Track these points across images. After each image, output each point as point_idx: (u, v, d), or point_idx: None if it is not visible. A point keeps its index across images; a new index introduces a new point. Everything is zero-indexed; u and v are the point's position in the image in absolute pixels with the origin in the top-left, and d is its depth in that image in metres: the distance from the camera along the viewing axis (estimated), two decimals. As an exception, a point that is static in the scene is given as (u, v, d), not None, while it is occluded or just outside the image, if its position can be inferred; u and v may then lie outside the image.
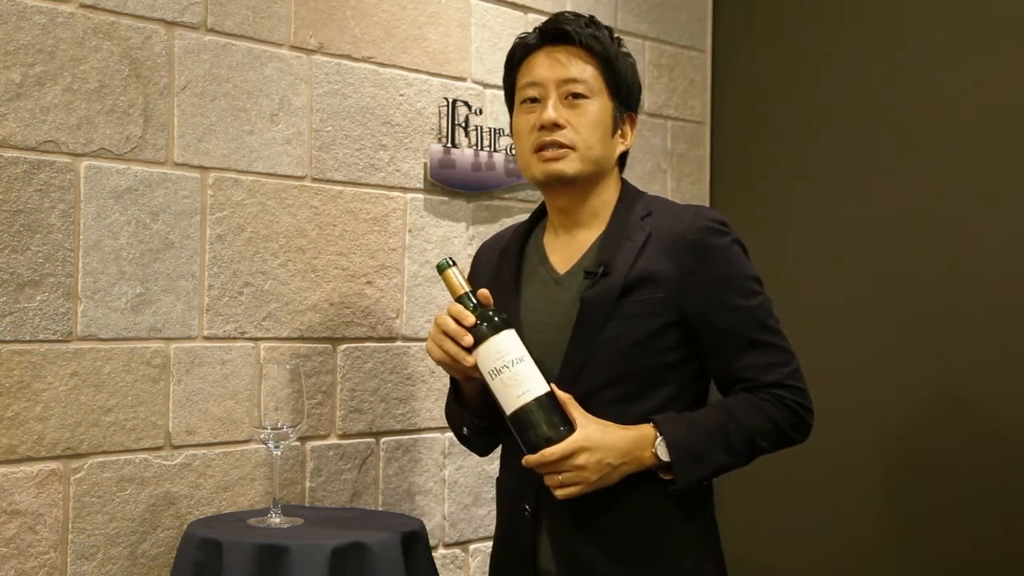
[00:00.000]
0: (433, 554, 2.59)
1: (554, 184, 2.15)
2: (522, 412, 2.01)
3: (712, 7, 3.93)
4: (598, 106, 2.13)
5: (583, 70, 2.13)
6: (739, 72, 3.88)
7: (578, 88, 2.12)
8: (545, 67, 2.14)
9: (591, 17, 2.20)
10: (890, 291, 3.51)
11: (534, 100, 2.15)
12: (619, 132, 2.19)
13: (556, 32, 2.15)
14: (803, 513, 3.65)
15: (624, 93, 2.18)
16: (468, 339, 2.03)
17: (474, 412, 2.21)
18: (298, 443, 2.77)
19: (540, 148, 2.13)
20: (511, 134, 2.25)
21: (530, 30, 2.22)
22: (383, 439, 2.97)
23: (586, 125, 2.12)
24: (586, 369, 2.08)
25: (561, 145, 2.11)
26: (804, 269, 3.65)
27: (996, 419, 3.34)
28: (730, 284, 2.10)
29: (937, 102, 3.46)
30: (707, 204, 3.88)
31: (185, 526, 2.46)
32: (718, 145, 3.92)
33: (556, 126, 2.11)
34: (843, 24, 3.67)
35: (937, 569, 3.42)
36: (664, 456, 2.03)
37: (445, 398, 3.04)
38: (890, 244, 3.52)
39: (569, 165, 2.12)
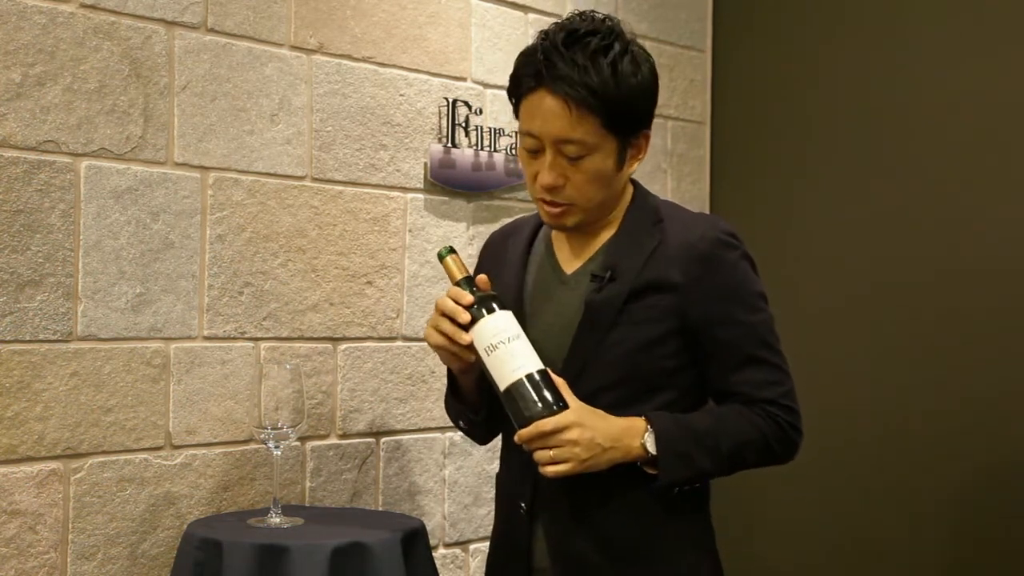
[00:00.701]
0: (433, 554, 2.59)
1: (559, 229, 2.17)
2: (516, 386, 2.00)
3: (712, 7, 3.93)
4: (597, 161, 2.06)
5: (577, 129, 2.03)
6: (739, 72, 3.88)
7: (572, 150, 2.05)
8: (541, 120, 2.05)
9: (595, 47, 2.04)
10: (890, 291, 3.51)
11: (535, 150, 2.09)
12: (629, 156, 2.12)
13: (552, 79, 2.03)
14: (802, 515, 3.65)
15: (633, 126, 2.09)
16: (465, 316, 2.03)
17: (471, 407, 2.21)
18: (298, 443, 2.77)
19: (541, 200, 2.11)
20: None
21: (531, 51, 2.08)
22: (383, 439, 2.97)
23: (585, 182, 2.07)
24: (587, 371, 2.08)
25: (560, 204, 2.09)
26: (804, 269, 3.65)
27: (998, 418, 3.34)
28: (735, 298, 2.09)
29: (937, 102, 3.46)
30: (707, 204, 3.88)
31: (185, 526, 2.46)
32: (718, 145, 3.92)
33: (554, 187, 2.07)
34: (843, 24, 3.67)
35: (940, 571, 3.42)
36: (652, 449, 2.03)
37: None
38: (890, 244, 3.52)
39: (571, 219, 2.11)
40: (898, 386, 3.48)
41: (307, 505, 2.78)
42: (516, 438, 2.02)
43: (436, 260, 3.06)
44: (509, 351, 2.01)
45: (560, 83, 2.02)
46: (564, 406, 2.00)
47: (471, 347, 2.04)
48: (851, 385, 3.53)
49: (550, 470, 2.01)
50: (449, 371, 2.21)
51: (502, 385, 2.02)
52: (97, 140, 2.47)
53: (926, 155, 3.47)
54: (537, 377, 2.01)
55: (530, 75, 2.07)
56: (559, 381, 2.03)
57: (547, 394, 2.00)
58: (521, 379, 2.00)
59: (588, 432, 2.00)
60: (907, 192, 3.49)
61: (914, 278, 3.46)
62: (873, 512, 3.51)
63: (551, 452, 2.00)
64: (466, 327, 2.04)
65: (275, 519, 2.40)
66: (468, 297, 2.05)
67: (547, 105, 2.04)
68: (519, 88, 2.11)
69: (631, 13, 3.63)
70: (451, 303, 2.05)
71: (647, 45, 2.18)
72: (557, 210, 2.10)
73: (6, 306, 2.34)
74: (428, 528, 2.61)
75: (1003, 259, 3.32)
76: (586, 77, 2.02)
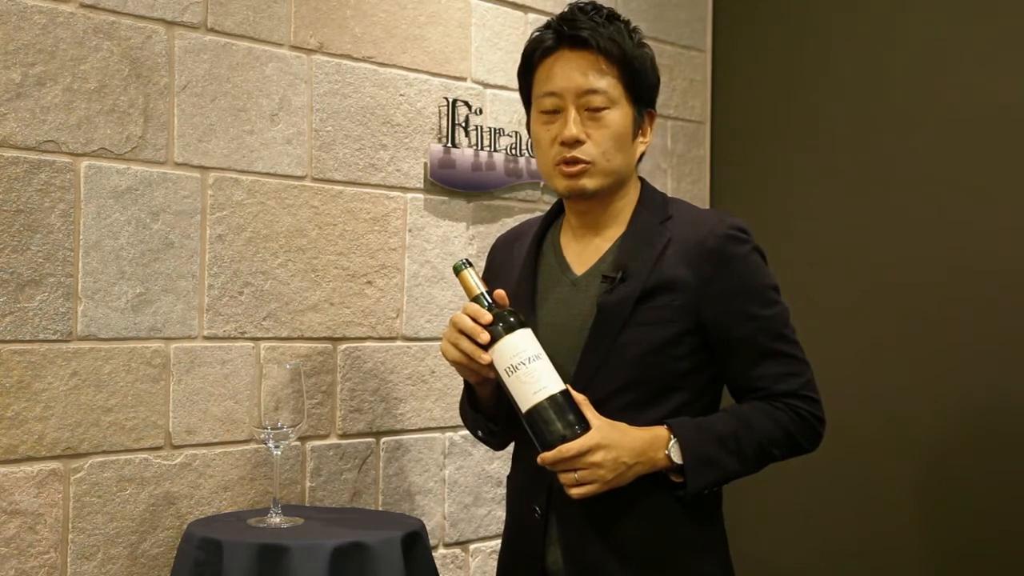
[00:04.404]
0: (433, 554, 2.59)
1: (576, 197, 2.15)
2: (538, 409, 2.00)
3: (712, 7, 3.93)
4: (618, 116, 2.10)
5: (602, 79, 2.09)
6: (739, 72, 3.88)
7: (597, 100, 2.08)
8: (563, 76, 2.09)
9: (608, 12, 2.14)
10: (890, 291, 3.51)
11: (554, 111, 2.11)
12: (639, 133, 2.16)
13: (573, 37, 2.10)
14: (816, 518, 3.64)
15: (644, 94, 2.15)
16: (484, 336, 2.02)
17: (488, 417, 2.20)
18: (298, 443, 2.77)
19: (561, 162, 2.11)
20: (528, 132, 2.21)
21: (544, 26, 2.16)
22: (383, 439, 2.97)
23: (607, 138, 2.09)
24: (600, 374, 2.07)
25: (581, 161, 2.09)
26: (804, 269, 3.65)
27: (1001, 417, 3.33)
28: (748, 293, 2.09)
29: (937, 101, 3.46)
30: (707, 204, 3.88)
31: (185, 526, 2.46)
32: (718, 145, 3.92)
33: (577, 142, 2.08)
34: (843, 24, 3.67)
35: (941, 570, 3.42)
36: (677, 459, 2.03)
37: (445, 398, 3.06)
38: (890, 244, 3.52)
39: (591, 181, 2.10)
40: (899, 386, 3.48)
41: (307, 505, 2.78)
42: (539, 460, 2.01)
43: (437, 260, 3.07)
44: (529, 372, 2.00)
45: (583, 38, 2.09)
46: (586, 427, 1.99)
47: (490, 365, 2.04)
48: (851, 385, 3.52)
49: (575, 492, 2.00)
50: (466, 381, 2.21)
51: (523, 407, 2.01)
52: (97, 140, 2.47)
53: (926, 155, 3.46)
54: (559, 399, 2.00)
55: (548, 40, 2.13)
56: (580, 399, 2.03)
57: (569, 416, 2.00)
58: (542, 402, 1.99)
59: (612, 452, 1.99)
60: (907, 192, 3.49)
61: (914, 278, 3.46)
62: (879, 512, 3.51)
63: (575, 475, 2.00)
64: (485, 347, 2.03)
65: (275, 519, 2.40)
66: (487, 316, 2.03)
67: (570, 60, 2.10)
68: (533, 56, 2.15)
69: (631, 13, 3.63)
70: (469, 322, 2.04)
71: (647, 45, 2.23)
72: (576, 168, 2.09)
73: (6, 306, 2.34)
74: (428, 528, 2.61)
75: (1006, 258, 3.32)
76: (608, 31, 2.10)
